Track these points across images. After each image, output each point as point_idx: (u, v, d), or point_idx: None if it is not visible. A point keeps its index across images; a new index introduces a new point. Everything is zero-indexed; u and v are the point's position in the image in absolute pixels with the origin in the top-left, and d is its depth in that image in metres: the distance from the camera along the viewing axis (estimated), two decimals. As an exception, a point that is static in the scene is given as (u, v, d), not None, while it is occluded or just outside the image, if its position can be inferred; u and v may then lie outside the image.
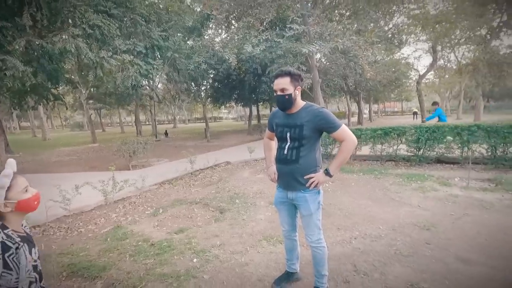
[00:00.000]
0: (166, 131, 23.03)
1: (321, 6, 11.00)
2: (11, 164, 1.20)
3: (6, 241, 1.11)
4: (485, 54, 16.13)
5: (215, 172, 7.50)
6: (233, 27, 12.98)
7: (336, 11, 12.59)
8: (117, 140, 9.05)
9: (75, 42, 5.84)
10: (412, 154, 6.88)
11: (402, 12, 17.14)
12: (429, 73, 17.86)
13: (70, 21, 6.75)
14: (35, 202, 1.25)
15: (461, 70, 17.30)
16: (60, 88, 12.44)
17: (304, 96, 22.63)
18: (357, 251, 2.91)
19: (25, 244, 1.19)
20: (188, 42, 11.92)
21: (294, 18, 7.79)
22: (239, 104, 22.11)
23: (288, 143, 2.01)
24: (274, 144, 2.36)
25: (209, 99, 18.93)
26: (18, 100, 9.72)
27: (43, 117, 27.04)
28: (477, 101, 18.66)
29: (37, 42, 5.83)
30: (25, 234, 1.26)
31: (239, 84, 16.59)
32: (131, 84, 7.55)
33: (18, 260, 1.14)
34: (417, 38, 16.35)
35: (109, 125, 61.42)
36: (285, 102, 1.95)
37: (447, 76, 24.11)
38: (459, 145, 6.41)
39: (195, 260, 2.88)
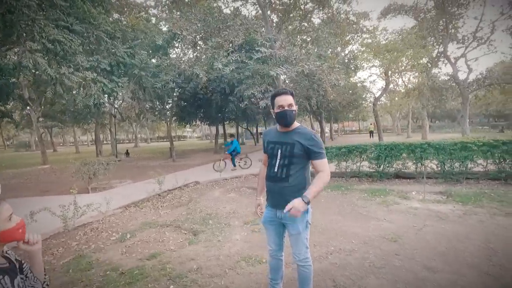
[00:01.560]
0: (127, 150, 21.87)
1: (285, 32, 11.69)
2: None
3: None
4: (428, 80, 18.24)
5: (184, 192, 7.27)
6: (199, 47, 13.18)
7: (298, 37, 13.46)
8: (71, 161, 8.38)
9: (32, 57, 5.46)
10: (374, 171, 7.37)
11: (357, 41, 18.88)
12: (383, 96, 19.54)
13: (25, 35, 6.34)
14: (20, 231, 1.14)
15: (408, 94, 19.26)
16: (8, 104, 11.33)
17: (271, 116, 23.33)
18: (334, 266, 2.99)
19: (6, 276, 1.07)
20: (153, 60, 11.77)
21: (262, 41, 8.15)
22: (205, 123, 21.95)
23: (278, 160, 2.05)
24: (263, 169, 2.36)
25: (175, 117, 18.54)
26: (-45, 117, 8.64)
27: (-18, 136, 24.11)
28: (423, 121, 20.73)
29: (-13, 55, 5.34)
30: (7, 264, 1.14)
31: (206, 103, 16.57)
32: (93, 102, 7.17)
33: None
34: (371, 64, 17.96)
35: (61, 144, 56.72)
36: (291, 117, 2.03)
37: (396, 98, 26.70)
38: (414, 161, 7.04)
39: (171, 287, 2.73)
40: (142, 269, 3.09)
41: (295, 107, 2.04)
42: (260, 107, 9.16)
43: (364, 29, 18.03)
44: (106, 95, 7.70)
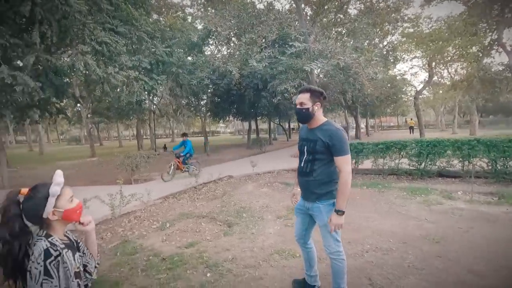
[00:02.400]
0: (165, 145, 22.98)
1: (319, 25, 11.40)
2: (60, 174, 1.25)
3: (49, 248, 1.14)
4: (478, 71, 16.65)
5: (218, 186, 7.50)
6: (232, 44, 13.36)
7: (333, 30, 13.04)
8: (116, 154, 9.04)
9: (83, 59, 5.97)
10: (414, 168, 6.97)
11: (397, 31, 17.79)
12: (425, 89, 18.25)
13: (76, 38, 6.93)
14: (78, 212, 1.28)
15: (455, 86, 17.76)
16: (63, 102, 12.54)
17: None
18: (370, 264, 2.93)
19: (69, 251, 1.22)
20: (189, 58, 12.18)
21: (296, 36, 8.05)
22: (238, 119, 22.29)
23: (305, 156, 2.17)
24: None
25: (209, 113, 19.09)
26: (20, 114, 9.75)
27: (41, 131, 26.94)
28: (472, 116, 19.04)
29: (47, 58, 5.94)
30: (68, 241, 1.29)
31: (239, 99, 16.81)
32: (136, 99, 7.66)
33: (58, 267, 1.15)
34: (413, 55, 16.85)
35: (106, 139, 61.20)
36: (302, 115, 2.14)
37: (441, 91, 24.74)
38: (460, 159, 6.53)
39: (208, 274, 2.87)
40: (181, 256, 3.28)
41: (308, 105, 2.09)
42: (293, 102, 9.07)
43: (406, 18, 16.91)
44: (147, 92, 8.16)
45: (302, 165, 2.20)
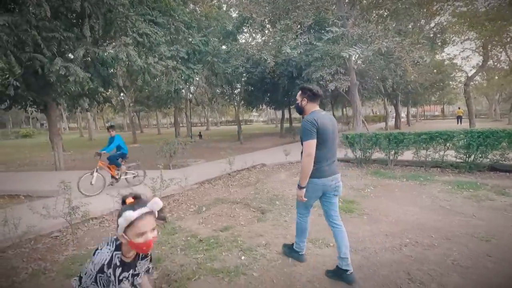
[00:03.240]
0: (200, 133, 23.81)
1: (358, 7, 10.76)
2: (151, 205, 1.28)
3: (105, 265, 1.25)
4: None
5: (252, 173, 7.62)
6: (267, 31, 13.17)
7: (374, 12, 12.23)
8: (156, 141, 9.52)
9: (126, 50, 6.30)
10: (462, 161, 6.45)
11: (447, 10, 16.16)
12: (478, 74, 16.50)
13: (120, 30, 7.31)
14: (144, 248, 1.26)
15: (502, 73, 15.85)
16: (109, 92, 13.46)
17: (341, 99, 22.08)
18: (408, 258, 2.81)
19: (123, 271, 1.34)
20: (223, 47, 12.28)
21: (334, 20, 7.70)
22: (271, 107, 22.20)
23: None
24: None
25: (242, 102, 19.25)
26: (72, 102, 10.67)
27: (90, 118, 29.29)
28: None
29: (95, 51, 6.38)
30: (129, 261, 1.37)
31: (272, 88, 16.69)
32: (174, 88, 7.96)
33: (107, 282, 1.26)
34: (466, 37, 15.25)
35: (146, 126, 64.83)
36: (296, 108, 2.72)
37: (496, 77, 22.20)
38: (517, 151, 5.90)
39: (243, 257, 2.96)
40: (217, 239, 3.42)
41: (298, 100, 2.62)
42: (329, 90, 8.80)
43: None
44: (184, 81, 8.44)
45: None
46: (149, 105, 24.97)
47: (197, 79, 8.28)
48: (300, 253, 2.86)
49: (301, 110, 2.62)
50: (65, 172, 9.18)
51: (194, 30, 8.92)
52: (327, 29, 7.45)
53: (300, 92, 2.61)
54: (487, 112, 38.00)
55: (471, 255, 2.80)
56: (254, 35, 12.06)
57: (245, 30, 14.63)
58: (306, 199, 2.54)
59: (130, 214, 1.19)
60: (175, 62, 8.01)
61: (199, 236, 3.55)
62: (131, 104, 20.41)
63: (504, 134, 5.90)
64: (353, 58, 10.33)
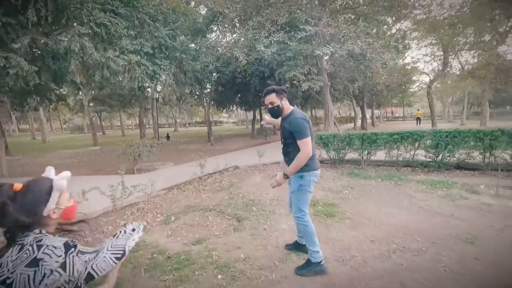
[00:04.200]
0: (168, 134, 22.74)
1: (328, 10, 10.83)
2: (66, 173, 1.17)
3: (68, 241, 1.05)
4: (495, 59, 15.98)
5: (224, 176, 7.20)
6: (237, 30, 12.83)
7: (342, 16, 12.42)
8: (119, 143, 8.73)
9: (80, 41, 5.57)
10: (431, 160, 6.61)
11: (408, 17, 17.04)
12: (439, 78, 17.55)
13: (74, 18, 6.51)
14: (73, 212, 1.20)
15: (469, 75, 17.13)
16: (63, 89, 12.18)
17: (311, 100, 22.37)
18: (399, 267, 2.61)
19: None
20: (192, 44, 11.67)
21: (308, 19, 7.56)
22: (242, 108, 21.85)
23: (282, 141, 2.65)
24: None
25: (213, 102, 18.67)
26: (19, 100, 9.44)
27: (43, 119, 26.71)
28: (483, 107, 18.47)
29: (42, 40, 5.56)
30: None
31: (243, 88, 16.36)
32: (137, 85, 7.28)
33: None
34: (427, 42, 16.16)
35: (109, 128, 61.11)
36: (275, 112, 2.58)
37: (449, 81, 23.99)
38: (481, 150, 6.15)
39: (219, 276, 2.57)
40: (188, 255, 2.99)
41: (277, 102, 2.51)
42: (303, 89, 8.67)
43: (416, 4, 16.16)
44: (149, 78, 7.79)
45: (282, 148, 2.68)
46: (112, 104, 23.37)
47: (164, 76, 7.66)
48: (320, 263, 2.56)
49: (280, 112, 2.55)
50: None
51: (160, 24, 8.28)
52: (301, 27, 7.30)
53: (274, 94, 2.51)
54: (440, 114, 41.13)
55: (460, 259, 2.68)
56: (225, 33, 11.64)
57: (215, 29, 14.17)
58: (310, 191, 2.55)
59: (61, 181, 1.11)
60: (139, 57, 7.33)
61: (168, 252, 3.08)
62: (90, 104, 18.84)
63: (470, 133, 6.12)
64: (325, 58, 10.35)
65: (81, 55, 6.00)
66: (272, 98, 2.50)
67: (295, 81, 8.51)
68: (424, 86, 20.31)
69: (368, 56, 7.59)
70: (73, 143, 24.45)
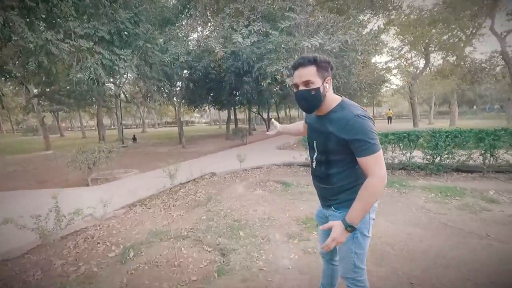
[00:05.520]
0: (134, 135, 20.87)
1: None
2: None
3: None
4: (462, 60, 16.41)
5: (200, 186, 6.11)
6: (212, 19, 11.69)
7: (327, 6, 11.77)
8: (74, 147, 7.25)
9: (5, 15, 4.19)
10: (428, 162, 6.06)
11: (382, 16, 16.98)
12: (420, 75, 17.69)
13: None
14: None
15: (438, 74, 17.47)
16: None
17: (291, 98, 21.68)
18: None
19: None
20: (160, 40, 10.26)
21: (292, 6, 6.70)
22: (215, 108, 20.64)
23: (316, 154, 1.59)
24: (301, 126, 2.04)
25: (184, 101, 17.27)
26: None
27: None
28: (452, 106, 19.02)
29: None
30: None
31: (217, 85, 15.21)
32: (89, 77, 5.94)
33: None
34: (404, 42, 16.17)
35: (69, 129, 56.34)
36: (311, 100, 1.43)
37: (417, 81, 24.68)
38: (482, 151, 5.68)
39: None
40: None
41: (317, 83, 1.39)
42: (287, 85, 7.82)
43: (388, 6, 16.11)
44: (105, 70, 6.44)
45: (314, 165, 1.61)
46: (70, 104, 20.94)
47: (125, 67, 6.38)
48: None
49: (319, 102, 1.43)
50: None
51: (119, 6, 6.95)
52: (286, 14, 6.43)
53: (315, 68, 1.39)
54: (407, 113, 42.88)
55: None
56: (197, 21, 10.45)
57: (186, 21, 12.87)
58: (369, 236, 1.55)
59: None
60: (92, 43, 5.99)
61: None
62: (41, 102, 16.51)
63: (472, 133, 5.63)
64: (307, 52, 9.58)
65: (7, 34, 4.58)
66: (309, 75, 1.39)
67: (278, 77, 7.64)
68: (395, 86, 20.50)
69: (360, 48, 6.93)
70: (24, 146, 21.60)
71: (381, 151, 1.35)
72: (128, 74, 6.89)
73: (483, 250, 2.78)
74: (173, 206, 4.87)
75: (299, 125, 2.06)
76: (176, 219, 4.18)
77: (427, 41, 14.76)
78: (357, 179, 1.46)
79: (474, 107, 44.41)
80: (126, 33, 7.06)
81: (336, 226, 1.38)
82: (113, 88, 14.02)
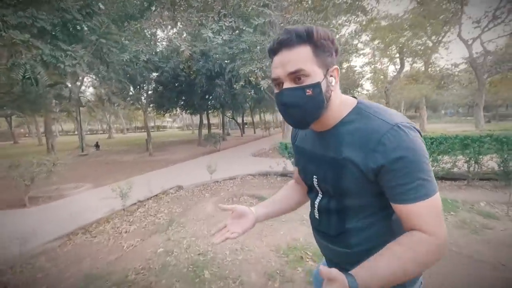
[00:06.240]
0: (97, 142, 19.19)
1: None
2: None
3: None
4: (429, 66, 16.92)
5: (162, 204, 5.24)
6: (179, 14, 10.81)
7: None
8: (32, 155, 6.00)
9: None
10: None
11: (353, 21, 17.09)
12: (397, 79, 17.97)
13: None
14: None
15: (407, 80, 17.92)
16: None
17: (265, 102, 21.26)
18: None
19: None
20: (117, 33, 9.10)
21: (266, 1, 6.11)
22: (187, 112, 19.58)
23: (319, 197, 0.94)
24: (300, 190, 1.17)
25: (152, 104, 16.10)
26: None
27: None
28: (421, 111, 19.57)
29: None
30: None
31: (188, 88, 14.28)
32: (24, 76, 4.88)
33: None
34: (380, 46, 16.34)
35: (27, 135, 51.78)
36: (306, 105, 0.78)
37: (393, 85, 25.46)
38: (467, 158, 5.40)
39: None
40: None
41: (316, 77, 0.76)
42: (262, 88, 7.19)
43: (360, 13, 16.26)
44: (45, 67, 5.39)
45: (316, 215, 0.97)
46: (22, 107, 18.78)
47: (69, 65, 5.37)
48: None
49: (319, 107, 0.79)
50: None
51: (66, -7, 5.92)
52: (260, 9, 5.82)
53: (309, 48, 0.75)
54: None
55: None
56: (161, 14, 9.53)
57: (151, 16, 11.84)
58: None
59: None
60: (27, 35, 4.95)
61: None
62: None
63: (457, 140, 5.33)
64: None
65: None
66: (300, 60, 0.75)
67: (252, 78, 6.99)
68: (366, 92, 20.86)
69: (340, 48, 6.49)
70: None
71: (437, 194, 0.74)
72: (78, 71, 5.83)
73: (494, 280, 2.26)
74: (126, 232, 3.99)
75: (289, 194, 1.19)
76: (126, 253, 3.33)
77: (400, 45, 14.97)
78: (394, 237, 0.80)
79: (443, 111, 46.97)
80: (77, 26, 6.03)
81: (336, 283, 0.67)
82: (70, 91, 12.54)
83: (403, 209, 0.74)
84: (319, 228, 0.97)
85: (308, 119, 0.80)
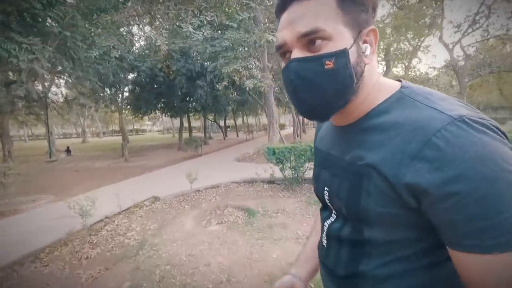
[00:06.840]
0: (68, 147, 17.86)
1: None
2: None
3: None
4: (408, 70, 17.17)
5: (134, 220, 4.57)
6: (153, 14, 10.14)
7: None
8: None
9: None
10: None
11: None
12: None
13: None
14: None
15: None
16: None
17: (249, 105, 20.80)
18: None
19: None
20: (83, 26, 8.21)
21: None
22: (167, 115, 18.72)
23: (332, 218, 0.65)
24: None
25: (128, 107, 15.16)
26: None
27: None
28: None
29: None
30: None
31: (167, 90, 13.52)
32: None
33: None
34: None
35: (-8, 140, 48.24)
36: (325, 85, 0.49)
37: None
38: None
39: None
40: None
41: (342, 42, 0.47)
42: (247, 88, 6.68)
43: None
44: (3, 63, 4.61)
45: (324, 243, 0.67)
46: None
47: (24, 60, 4.61)
48: None
49: (345, 89, 0.46)
50: None
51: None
52: (245, 2, 5.34)
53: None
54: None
55: None
56: (135, 7, 8.87)
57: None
58: None
59: None
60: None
61: None
62: None
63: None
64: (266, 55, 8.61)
65: None
66: (317, 16, 0.44)
67: (236, 78, 6.48)
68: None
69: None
70: None
71: None
72: (35, 67, 5.03)
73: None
74: (87, 258, 3.31)
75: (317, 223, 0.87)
76: (85, 285, 2.68)
77: (385, 47, 15.08)
78: None
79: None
80: (31, 16, 5.26)
81: None
82: (25, 89, 11.39)
83: (469, 261, 0.42)
84: (325, 261, 0.67)
85: (327, 106, 0.52)
